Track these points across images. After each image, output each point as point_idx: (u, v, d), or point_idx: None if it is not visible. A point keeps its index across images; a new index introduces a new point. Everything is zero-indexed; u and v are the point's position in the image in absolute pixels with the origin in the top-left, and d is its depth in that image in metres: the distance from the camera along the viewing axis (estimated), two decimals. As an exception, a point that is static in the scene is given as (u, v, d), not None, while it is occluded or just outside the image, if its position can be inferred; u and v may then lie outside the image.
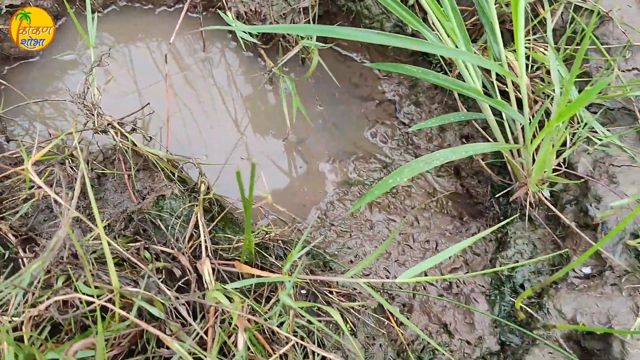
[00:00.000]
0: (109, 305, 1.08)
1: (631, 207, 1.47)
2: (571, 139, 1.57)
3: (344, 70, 2.16)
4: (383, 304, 1.37)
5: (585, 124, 1.53)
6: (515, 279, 1.64)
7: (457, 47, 1.47)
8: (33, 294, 1.13)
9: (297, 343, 1.28)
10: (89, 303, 1.13)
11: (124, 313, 1.07)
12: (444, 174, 1.96)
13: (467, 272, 1.73)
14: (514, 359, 1.50)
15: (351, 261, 1.81)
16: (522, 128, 1.58)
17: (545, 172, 1.45)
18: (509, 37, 1.81)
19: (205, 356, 1.08)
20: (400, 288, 1.71)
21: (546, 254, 1.62)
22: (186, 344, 0.99)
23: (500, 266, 1.67)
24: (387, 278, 1.78)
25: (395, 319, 1.59)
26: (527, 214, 1.63)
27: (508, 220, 1.51)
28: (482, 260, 1.76)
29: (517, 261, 1.64)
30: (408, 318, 1.66)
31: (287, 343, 1.27)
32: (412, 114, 2.05)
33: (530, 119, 1.56)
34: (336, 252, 1.83)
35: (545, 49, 1.64)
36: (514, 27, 1.24)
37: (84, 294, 1.07)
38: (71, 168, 1.55)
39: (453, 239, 1.82)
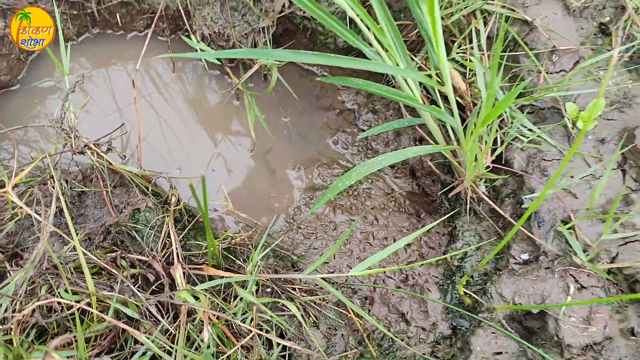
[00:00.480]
0: (88, 308, 1.22)
1: (558, 196, 1.63)
2: (502, 138, 1.73)
3: (307, 83, 2.31)
4: (338, 296, 1.52)
5: (512, 123, 1.69)
6: (464, 269, 1.79)
7: (395, 60, 1.62)
8: (21, 302, 1.27)
9: (259, 335, 1.42)
10: (69, 307, 1.28)
11: (100, 314, 1.22)
12: (400, 175, 2.11)
13: (421, 265, 1.88)
14: (463, 340, 1.65)
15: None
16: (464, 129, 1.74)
17: (479, 169, 1.60)
18: (451, 47, 1.96)
19: (174, 349, 1.23)
20: (362, 282, 1.86)
21: (491, 245, 1.78)
22: (152, 336, 1.14)
23: (451, 258, 1.83)
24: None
25: (354, 311, 1.74)
26: (469, 208, 1.78)
27: (449, 215, 1.66)
28: (436, 253, 1.92)
29: (466, 252, 1.80)
30: (369, 310, 1.81)
31: (254, 335, 1.42)
32: (370, 121, 2.21)
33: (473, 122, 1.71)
34: (303, 253, 1.97)
35: (481, 57, 1.79)
36: (434, 42, 1.39)
37: (63, 298, 1.21)
38: (53, 187, 1.70)
39: (407, 234, 1.97)
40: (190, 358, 1.20)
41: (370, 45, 1.61)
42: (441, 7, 1.79)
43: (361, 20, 1.54)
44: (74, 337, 1.17)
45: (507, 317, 1.64)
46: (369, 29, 1.55)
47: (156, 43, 2.31)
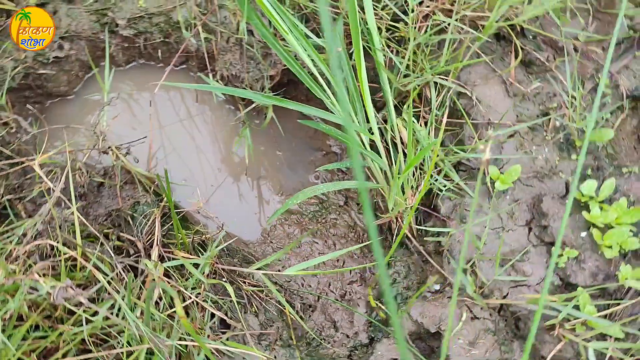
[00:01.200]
0: (75, 255, 1.65)
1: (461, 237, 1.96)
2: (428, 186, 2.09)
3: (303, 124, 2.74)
4: (275, 293, 1.89)
5: (434, 177, 2.05)
6: (392, 292, 2.12)
7: (351, 112, 2.03)
8: (27, 242, 1.72)
9: (197, 304, 1.81)
10: (62, 254, 1.71)
11: (83, 261, 1.65)
12: (363, 212, 2.48)
13: (360, 285, 2.22)
14: (373, 347, 1.97)
15: (279, 270, 2.34)
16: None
17: (400, 208, 1.96)
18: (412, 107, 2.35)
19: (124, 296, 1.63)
20: (311, 293, 2.22)
21: (416, 275, 2.11)
22: (108, 277, 1.55)
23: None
24: (302, 286, 2.29)
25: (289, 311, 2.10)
26: (400, 242, 2.13)
27: (365, 244, 2.02)
28: (377, 278, 2.26)
29: (395, 279, 2.13)
30: (310, 315, 2.17)
31: (194, 304, 1.81)
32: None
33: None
34: (269, 262, 2.36)
35: (426, 119, 2.18)
36: (365, 104, 1.79)
37: (57, 243, 1.65)
38: (74, 174, 2.18)
39: (357, 260, 2.32)
40: (136, 304, 1.61)
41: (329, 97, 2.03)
42: (400, 76, 2.19)
43: (324, 78, 1.97)
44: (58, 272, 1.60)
45: (414, 335, 1.96)
46: (328, 84, 1.98)
47: (187, 77, 2.82)
